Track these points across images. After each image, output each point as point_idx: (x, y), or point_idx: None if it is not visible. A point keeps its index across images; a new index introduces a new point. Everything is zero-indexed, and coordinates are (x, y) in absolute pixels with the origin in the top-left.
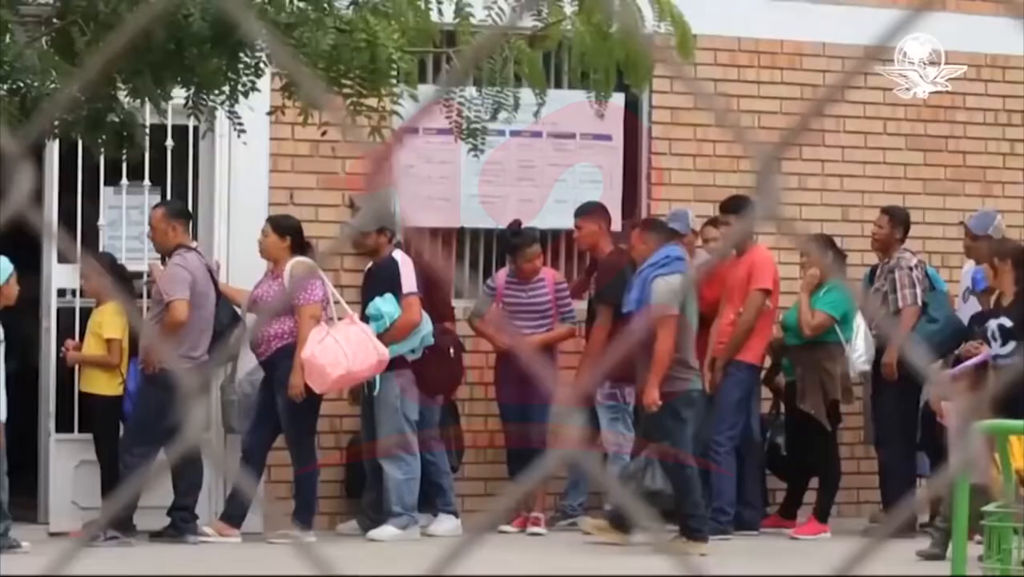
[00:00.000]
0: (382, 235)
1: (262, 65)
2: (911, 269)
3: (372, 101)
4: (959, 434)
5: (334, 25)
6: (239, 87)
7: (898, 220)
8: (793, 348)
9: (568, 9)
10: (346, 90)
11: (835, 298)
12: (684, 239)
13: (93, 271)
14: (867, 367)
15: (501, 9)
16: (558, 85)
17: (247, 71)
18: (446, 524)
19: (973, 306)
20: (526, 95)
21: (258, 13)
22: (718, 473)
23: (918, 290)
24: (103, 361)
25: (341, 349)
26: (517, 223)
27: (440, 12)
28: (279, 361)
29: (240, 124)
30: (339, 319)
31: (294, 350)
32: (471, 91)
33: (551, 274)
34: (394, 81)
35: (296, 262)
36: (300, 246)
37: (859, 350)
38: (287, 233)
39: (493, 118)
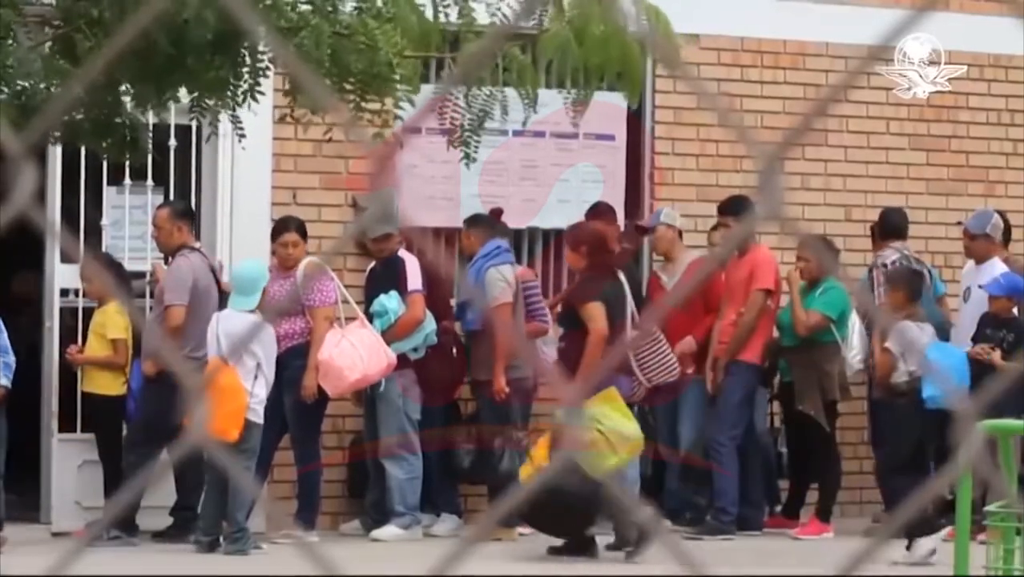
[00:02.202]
0: (393, 239)
1: (267, 69)
2: (886, 267)
3: (373, 106)
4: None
5: (334, 30)
6: (241, 92)
7: (879, 219)
8: (789, 349)
9: (565, 15)
10: (346, 95)
11: (831, 298)
12: (656, 234)
13: (95, 270)
14: (863, 365)
15: (504, 16)
16: (560, 85)
17: (250, 75)
18: (449, 524)
19: (974, 305)
20: (516, 100)
21: (259, 18)
22: (720, 473)
23: None
24: (109, 361)
25: (357, 352)
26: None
27: (446, 15)
28: (289, 361)
29: (241, 129)
30: (348, 319)
31: (304, 350)
32: (462, 99)
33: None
34: (395, 86)
35: (308, 261)
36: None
37: (855, 348)
38: (306, 235)
39: (480, 125)
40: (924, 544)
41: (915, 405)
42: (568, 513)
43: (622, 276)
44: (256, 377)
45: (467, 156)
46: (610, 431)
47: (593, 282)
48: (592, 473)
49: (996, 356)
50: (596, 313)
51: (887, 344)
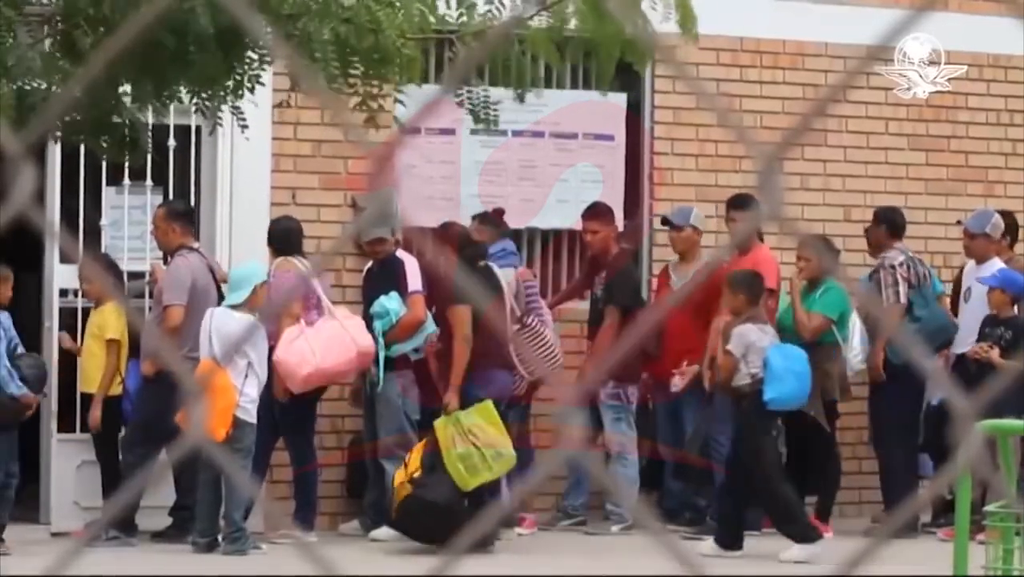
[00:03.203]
0: (388, 242)
1: (266, 56)
2: (894, 268)
3: (376, 89)
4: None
5: (337, 16)
6: (244, 82)
7: (880, 219)
8: None
9: None
10: (351, 79)
11: (831, 299)
12: (682, 233)
13: (95, 272)
14: (863, 366)
15: (502, 3)
16: (560, 85)
17: (251, 65)
18: None
19: (975, 305)
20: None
21: (260, 4)
22: (718, 472)
23: (901, 288)
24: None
25: (308, 346)
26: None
27: (448, 4)
28: (271, 362)
29: (243, 120)
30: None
31: None
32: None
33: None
34: (399, 68)
35: (280, 261)
36: (284, 247)
37: (855, 349)
38: (278, 242)
39: (520, 100)
40: (795, 551)
41: (757, 407)
42: (435, 522)
43: (496, 270)
44: (247, 376)
45: (485, 121)
46: (485, 446)
47: (460, 283)
48: (461, 486)
49: (994, 355)
50: (464, 317)
51: (728, 347)
